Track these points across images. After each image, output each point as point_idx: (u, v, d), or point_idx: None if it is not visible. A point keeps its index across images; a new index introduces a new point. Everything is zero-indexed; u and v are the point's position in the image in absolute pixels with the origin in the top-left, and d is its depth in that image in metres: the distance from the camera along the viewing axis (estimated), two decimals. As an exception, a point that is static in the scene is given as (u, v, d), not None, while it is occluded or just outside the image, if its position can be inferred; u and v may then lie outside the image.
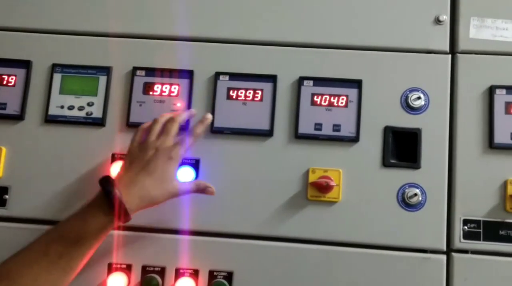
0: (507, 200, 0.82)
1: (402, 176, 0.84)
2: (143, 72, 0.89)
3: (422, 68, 0.87)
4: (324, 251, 0.84)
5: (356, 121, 0.86)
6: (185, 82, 0.89)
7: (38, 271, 0.68)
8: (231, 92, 0.88)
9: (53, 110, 0.89)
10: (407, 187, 0.84)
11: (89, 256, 0.74)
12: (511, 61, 0.86)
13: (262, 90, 0.88)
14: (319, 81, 0.87)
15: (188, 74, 0.89)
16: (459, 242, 0.83)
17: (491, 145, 0.84)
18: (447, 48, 0.88)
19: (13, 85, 0.90)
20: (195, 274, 0.83)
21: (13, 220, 0.87)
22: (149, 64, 0.89)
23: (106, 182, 0.74)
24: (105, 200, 0.72)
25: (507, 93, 0.85)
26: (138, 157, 0.78)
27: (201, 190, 0.80)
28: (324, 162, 0.85)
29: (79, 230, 0.71)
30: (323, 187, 0.83)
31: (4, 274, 0.68)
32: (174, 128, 0.80)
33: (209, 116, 0.83)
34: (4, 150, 0.88)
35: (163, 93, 0.88)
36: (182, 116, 0.82)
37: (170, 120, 0.80)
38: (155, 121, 0.81)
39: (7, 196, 0.87)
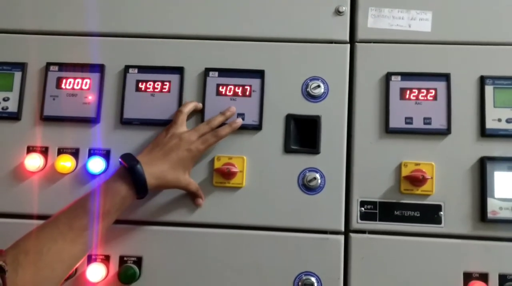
0: (402, 182, 0.86)
1: (302, 161, 0.88)
2: (56, 68, 0.93)
3: (322, 57, 0.91)
4: (229, 234, 0.88)
5: (259, 110, 0.89)
6: (96, 76, 0.92)
7: (63, 245, 0.72)
8: (140, 85, 0.91)
9: (-29, 106, 0.92)
10: (307, 172, 0.88)
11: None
12: (406, 49, 0.90)
13: (169, 81, 0.91)
14: (224, 72, 0.91)
15: (99, 69, 0.92)
16: (357, 223, 0.87)
17: (387, 129, 0.88)
18: (346, 38, 0.92)
19: None
20: (106, 259, 0.87)
21: None
22: (62, 60, 0.93)
23: (130, 158, 0.79)
24: (129, 174, 0.77)
25: (402, 79, 0.89)
26: (163, 143, 0.83)
27: (197, 196, 0.87)
28: (230, 150, 0.89)
29: (105, 204, 0.76)
30: (225, 173, 0.87)
31: (31, 248, 0.70)
32: (204, 128, 0.86)
33: (239, 121, 0.87)
34: None
35: (75, 87, 0.92)
36: (216, 121, 0.87)
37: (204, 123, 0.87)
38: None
39: None
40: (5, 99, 0.92)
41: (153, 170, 0.80)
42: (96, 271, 0.87)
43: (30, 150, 0.91)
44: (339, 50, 0.91)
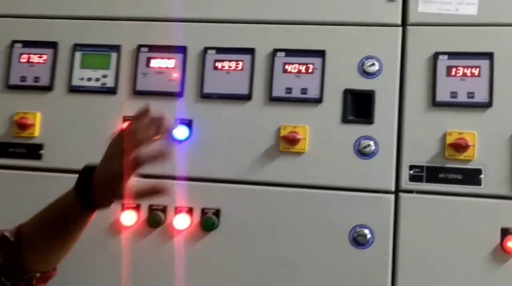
0: (446, 148, 0.98)
1: (358, 130, 1.01)
2: (146, 49, 1.09)
3: (377, 39, 1.03)
4: (293, 192, 1.03)
5: (320, 85, 1.03)
6: (180, 56, 1.08)
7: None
8: (217, 64, 1.06)
9: (76, 82, 1.10)
10: (362, 139, 1.01)
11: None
12: (453, 31, 1.01)
13: (242, 61, 1.06)
14: (290, 52, 1.05)
15: (183, 50, 1.07)
16: (405, 184, 1.00)
17: (434, 103, 1.00)
18: (399, 21, 1.03)
19: (44, 63, 1.11)
20: (190, 211, 1.04)
21: (47, 170, 1.10)
22: (151, 43, 1.09)
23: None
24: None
25: (448, 58, 1.00)
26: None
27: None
28: (294, 119, 1.03)
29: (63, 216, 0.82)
30: (291, 140, 1.01)
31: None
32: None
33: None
34: (38, 114, 1.10)
35: (162, 66, 1.08)
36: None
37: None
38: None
39: (42, 151, 1.10)
40: (104, 76, 1.09)
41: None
42: (182, 221, 1.04)
43: (125, 119, 1.08)
44: (392, 32, 1.03)
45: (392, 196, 1.00)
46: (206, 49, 1.07)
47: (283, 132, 1.02)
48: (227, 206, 1.04)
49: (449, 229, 0.98)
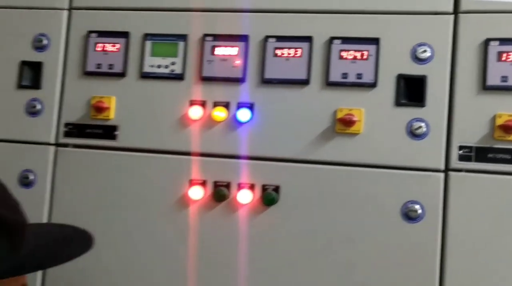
0: (495, 130, 1.04)
1: (410, 112, 1.08)
2: (211, 38, 1.17)
3: (430, 26, 1.08)
4: (349, 171, 1.10)
5: (375, 71, 1.10)
6: (242, 44, 1.16)
7: None
8: (277, 51, 1.14)
9: (146, 69, 1.20)
10: (414, 121, 1.07)
11: None
12: (504, 18, 1.06)
13: (301, 48, 1.13)
14: (346, 40, 1.12)
15: (245, 38, 1.16)
16: (455, 163, 1.06)
17: (484, 86, 1.05)
18: (450, 9, 1.08)
19: (118, 51, 1.21)
20: (251, 187, 1.13)
21: (121, 149, 1.21)
22: (216, 32, 1.18)
23: None
24: None
25: (499, 44, 1.05)
26: None
27: None
28: (349, 102, 1.11)
29: None
30: (347, 122, 1.09)
31: None
32: None
33: None
34: (113, 98, 1.21)
35: (226, 53, 1.17)
36: None
37: None
38: None
39: (116, 132, 1.21)
40: (172, 64, 1.19)
41: None
42: (244, 196, 1.13)
43: (192, 103, 1.17)
44: (444, 20, 1.08)
45: (442, 175, 1.06)
46: (267, 37, 1.15)
47: (339, 115, 1.10)
48: (286, 183, 1.12)
49: (495, 205, 1.04)
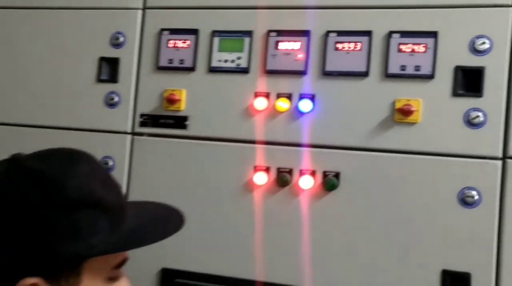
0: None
1: (467, 103, 1.12)
2: (275, 33, 1.25)
3: (488, 19, 1.12)
4: (407, 158, 1.16)
5: (433, 63, 1.14)
6: (304, 39, 1.23)
7: None
8: (337, 45, 1.21)
9: (214, 63, 1.29)
10: (471, 111, 1.11)
11: None
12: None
13: (361, 42, 1.19)
14: (404, 34, 1.17)
15: (307, 34, 1.23)
16: (513, 151, 1.10)
17: (543, 77, 1.08)
18: (509, 1, 1.11)
19: (188, 47, 1.31)
20: (313, 173, 1.21)
21: (191, 138, 1.31)
22: (279, 28, 1.25)
23: None
24: None
25: (557, 35, 1.08)
26: None
27: None
28: (408, 93, 1.16)
29: None
30: (405, 112, 1.14)
31: None
32: None
33: None
34: (184, 91, 1.31)
35: (289, 48, 1.24)
36: None
37: None
38: None
39: (187, 122, 1.31)
40: (238, 58, 1.28)
41: None
42: (306, 181, 1.20)
43: (256, 95, 1.26)
44: (503, 12, 1.11)
45: (500, 162, 1.10)
46: (328, 32, 1.22)
47: (398, 105, 1.15)
48: (346, 170, 1.19)
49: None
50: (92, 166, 0.75)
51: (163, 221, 0.81)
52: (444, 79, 1.14)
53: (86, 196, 0.69)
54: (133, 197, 1.32)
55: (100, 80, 1.37)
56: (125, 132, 1.35)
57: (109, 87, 1.36)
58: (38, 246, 0.68)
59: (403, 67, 1.16)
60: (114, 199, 0.73)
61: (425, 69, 1.15)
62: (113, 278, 0.74)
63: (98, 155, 1.33)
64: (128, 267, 1.28)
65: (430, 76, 1.14)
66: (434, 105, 1.14)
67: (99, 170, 0.77)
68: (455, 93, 1.13)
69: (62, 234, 0.69)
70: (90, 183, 0.71)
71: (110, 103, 1.36)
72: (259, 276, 1.21)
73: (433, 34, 1.14)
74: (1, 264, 0.69)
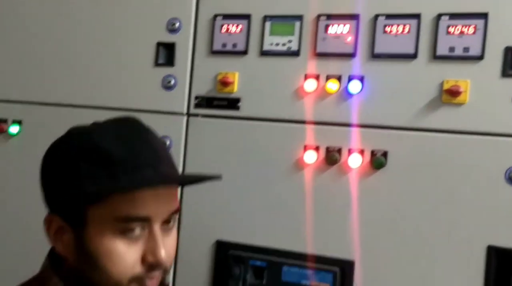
0: None
1: (517, 83, 1.15)
2: (325, 17, 1.30)
3: (539, 0, 1.14)
4: (454, 138, 1.19)
5: (482, 44, 1.16)
6: (353, 23, 1.27)
7: None
8: (386, 28, 1.24)
9: (266, 47, 1.35)
10: (520, 91, 1.14)
11: None
12: None
13: (409, 25, 1.22)
14: (453, 16, 1.19)
15: (356, 17, 1.27)
16: (561, 131, 1.12)
17: None
18: (560, -18, 1.13)
19: (240, 32, 1.37)
20: (361, 152, 1.26)
21: (243, 118, 1.38)
22: (329, 12, 1.30)
23: None
24: None
25: None
26: None
27: None
28: (456, 74, 1.19)
29: None
30: (453, 92, 1.17)
31: None
32: None
33: None
34: (237, 74, 1.38)
35: (338, 31, 1.28)
36: None
37: None
38: None
39: (239, 104, 1.38)
40: (289, 41, 1.33)
41: None
42: (354, 160, 1.26)
43: (307, 77, 1.31)
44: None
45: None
46: (376, 16, 1.25)
47: (446, 86, 1.19)
48: (394, 149, 1.23)
49: None
50: (125, 128, 0.84)
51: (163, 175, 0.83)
52: (494, 60, 1.16)
53: (91, 148, 0.79)
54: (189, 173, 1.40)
55: (157, 64, 1.45)
56: (181, 114, 1.43)
57: (166, 71, 1.44)
58: (54, 189, 0.84)
59: (451, 49, 1.19)
60: (122, 154, 0.78)
61: (474, 51, 1.17)
62: (124, 232, 0.78)
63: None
64: (185, 239, 1.38)
65: (479, 57, 1.17)
66: (483, 86, 1.17)
67: (130, 132, 0.83)
68: (504, 74, 1.15)
69: (66, 180, 0.81)
70: (105, 139, 0.80)
71: (167, 86, 1.44)
72: (309, 249, 1.28)
73: (483, 16, 1.16)
74: (45, 199, 0.87)
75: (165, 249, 0.80)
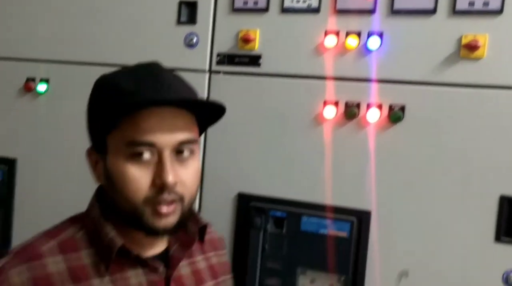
0: None
1: (535, 37, 1.16)
2: (345, -26, 1.32)
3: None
4: (471, 92, 1.22)
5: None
6: (374, -22, 1.29)
7: None
8: (406, -17, 1.26)
9: (287, 4, 1.37)
10: (538, 45, 1.16)
11: None
12: None
13: (429, -20, 1.24)
14: (474, -30, 1.20)
15: (376, -27, 1.29)
16: None
17: None
18: None
19: (261, -11, 1.40)
20: (379, 106, 1.29)
21: (264, 75, 1.42)
22: (348, -32, 1.32)
23: None
24: None
25: None
26: None
27: None
28: (474, 29, 1.21)
29: None
30: (471, 47, 1.19)
31: None
32: None
33: None
34: (257, 31, 1.41)
35: (359, -12, 1.31)
36: None
37: None
38: None
39: (261, 60, 1.41)
40: (310, -1, 1.36)
41: None
42: (373, 114, 1.29)
43: (327, 33, 1.34)
44: None
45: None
46: (396, -29, 1.27)
47: (464, 41, 1.21)
48: (412, 103, 1.27)
49: None
50: (142, 68, 0.92)
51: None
52: (512, 14, 1.18)
53: (107, 84, 0.91)
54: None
55: (180, 22, 1.49)
56: (203, 71, 1.47)
57: (188, 29, 1.48)
58: (87, 125, 0.94)
59: (471, 3, 1.20)
60: (129, 86, 0.87)
61: (494, 5, 1.19)
62: (134, 156, 0.85)
63: (179, 91, 1.48)
64: (208, 192, 1.44)
65: (499, 11, 1.18)
66: (501, 40, 1.19)
67: (144, 69, 0.92)
68: (522, 29, 1.17)
69: (92, 114, 0.93)
70: (119, 76, 0.91)
71: (190, 44, 1.48)
72: (327, 200, 1.34)
73: (504, -30, 1.18)
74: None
75: (179, 177, 0.86)
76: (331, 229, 1.32)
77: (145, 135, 0.85)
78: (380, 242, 1.29)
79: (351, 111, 1.31)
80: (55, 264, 0.85)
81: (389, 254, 1.29)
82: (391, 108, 1.29)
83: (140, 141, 0.85)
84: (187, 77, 1.49)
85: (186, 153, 0.89)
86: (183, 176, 0.87)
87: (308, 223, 1.34)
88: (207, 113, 0.97)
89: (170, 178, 0.84)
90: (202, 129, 0.99)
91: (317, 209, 1.34)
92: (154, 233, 0.87)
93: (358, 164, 1.32)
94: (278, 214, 1.38)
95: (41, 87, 1.64)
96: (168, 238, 0.97)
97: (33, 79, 1.66)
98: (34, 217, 1.64)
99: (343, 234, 1.31)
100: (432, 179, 1.26)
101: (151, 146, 0.85)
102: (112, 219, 0.91)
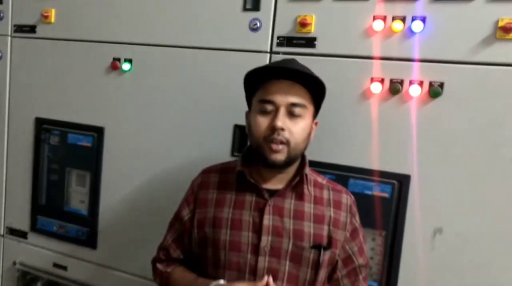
0: None
1: None
2: (392, -36, 1.48)
3: None
4: (506, 70, 1.35)
5: (535, -15, 1.31)
6: (419, -32, 1.44)
7: None
8: (448, -28, 1.41)
9: (340, -8, 1.55)
10: None
11: None
12: None
13: (469, -31, 1.38)
14: (511, -41, 1.33)
15: (421, -37, 1.44)
16: None
17: None
18: None
19: (317, -21, 1.58)
20: (420, 83, 1.45)
21: (319, 55, 1.60)
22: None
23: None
24: None
25: None
26: None
27: None
28: (510, 12, 1.34)
29: None
30: (507, 29, 1.33)
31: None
32: None
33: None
34: (313, 16, 1.59)
35: (405, -24, 1.46)
36: None
37: None
38: None
39: (316, 42, 1.60)
40: (360, -13, 1.52)
41: None
42: (415, 90, 1.46)
43: (375, 17, 1.50)
44: None
45: None
46: (439, -39, 1.41)
47: (501, 24, 1.34)
48: (450, 80, 1.42)
49: None
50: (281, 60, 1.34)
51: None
52: (545, -1, 1.30)
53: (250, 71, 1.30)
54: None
55: (245, 9, 1.69)
56: (265, 52, 1.68)
57: (252, 15, 1.68)
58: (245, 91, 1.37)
59: (506, -11, 1.34)
60: (266, 66, 1.30)
61: (527, -10, 1.31)
62: (262, 109, 1.25)
63: (243, 70, 1.70)
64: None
65: (532, -4, 1.31)
66: (535, 23, 1.32)
67: (281, 61, 1.33)
68: (555, 11, 1.29)
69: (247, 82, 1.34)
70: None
71: (253, 28, 1.68)
72: (373, 166, 1.52)
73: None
74: None
75: (287, 127, 1.23)
76: (375, 190, 1.51)
77: (269, 95, 1.25)
78: (417, 202, 1.47)
79: (395, 87, 1.48)
80: (214, 177, 1.38)
81: (425, 213, 1.46)
82: (431, 84, 1.44)
83: (266, 99, 1.25)
84: (251, 57, 1.72)
85: (296, 113, 1.24)
86: (291, 127, 1.23)
87: (354, 185, 1.53)
88: (317, 91, 1.30)
89: (279, 123, 1.21)
90: (318, 106, 1.34)
91: (363, 173, 1.53)
92: (269, 165, 1.25)
93: (401, 134, 1.49)
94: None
95: (126, 66, 1.90)
96: (286, 182, 1.31)
97: (118, 59, 1.92)
98: (117, 179, 1.92)
99: (385, 195, 1.49)
100: (467, 148, 1.41)
101: (272, 103, 1.24)
102: (250, 163, 1.33)
